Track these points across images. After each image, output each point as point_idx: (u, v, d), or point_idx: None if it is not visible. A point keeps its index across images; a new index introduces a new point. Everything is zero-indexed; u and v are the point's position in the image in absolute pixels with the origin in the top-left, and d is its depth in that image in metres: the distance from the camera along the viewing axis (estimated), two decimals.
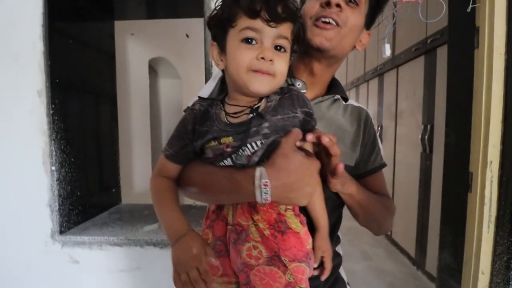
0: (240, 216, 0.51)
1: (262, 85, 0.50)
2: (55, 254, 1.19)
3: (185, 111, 0.59)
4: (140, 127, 2.13)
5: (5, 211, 1.18)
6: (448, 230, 1.50)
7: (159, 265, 1.15)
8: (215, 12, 0.52)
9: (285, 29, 0.50)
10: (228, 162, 0.51)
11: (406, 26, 2.40)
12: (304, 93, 0.57)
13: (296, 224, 0.51)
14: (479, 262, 1.20)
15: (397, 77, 2.63)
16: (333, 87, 0.70)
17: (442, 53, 1.98)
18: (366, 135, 0.69)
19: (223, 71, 0.56)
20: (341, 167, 0.51)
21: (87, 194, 1.35)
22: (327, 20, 0.60)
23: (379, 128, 3.02)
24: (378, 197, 0.66)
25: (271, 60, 0.49)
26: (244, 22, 0.48)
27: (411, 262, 2.36)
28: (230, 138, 0.50)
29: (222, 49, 0.52)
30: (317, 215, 0.56)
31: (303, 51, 0.62)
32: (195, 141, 0.53)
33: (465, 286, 1.28)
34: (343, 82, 4.79)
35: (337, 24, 0.60)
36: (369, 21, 0.67)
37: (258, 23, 0.48)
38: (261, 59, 0.48)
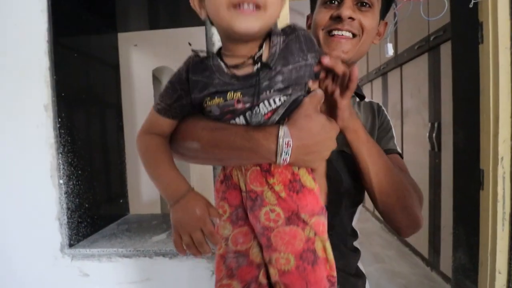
0: (253, 182, 0.48)
1: (249, 22, 0.41)
2: (65, 267, 1.19)
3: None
4: None
5: (15, 225, 1.19)
6: (461, 230, 1.47)
7: (169, 275, 1.14)
8: None
9: None
10: (240, 120, 0.46)
11: (408, 24, 2.39)
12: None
13: (310, 181, 0.49)
14: (495, 261, 1.17)
15: (401, 76, 2.61)
16: None
17: (445, 50, 1.96)
18: (379, 121, 0.68)
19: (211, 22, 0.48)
20: (356, 71, 0.47)
21: (95, 206, 1.35)
22: (341, 33, 0.58)
23: None
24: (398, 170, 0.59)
25: None
26: None
27: (424, 263, 2.30)
28: (239, 93, 0.45)
29: None
30: None
31: None
32: (192, 92, 0.48)
33: (482, 286, 1.24)
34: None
35: (353, 35, 0.59)
36: (384, 12, 0.65)
37: None
38: None
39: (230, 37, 0.45)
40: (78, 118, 1.27)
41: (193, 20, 1.40)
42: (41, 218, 1.19)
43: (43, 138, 1.16)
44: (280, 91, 0.45)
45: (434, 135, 2.05)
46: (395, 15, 1.37)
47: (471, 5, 1.12)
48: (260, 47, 0.46)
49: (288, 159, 0.44)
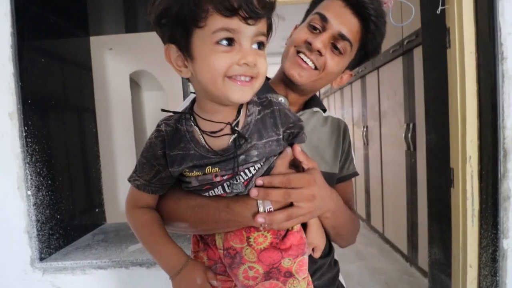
0: (232, 239, 0.50)
1: (244, 93, 0.43)
2: (36, 282, 1.14)
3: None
4: (124, 142, 2.08)
5: None
6: (435, 226, 1.52)
7: (146, 285, 1.11)
8: (164, 4, 0.41)
9: (263, 24, 0.43)
10: (219, 190, 0.48)
11: None
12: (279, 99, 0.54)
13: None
14: (466, 255, 1.21)
15: (378, 78, 2.69)
16: (311, 101, 0.73)
17: (418, 54, 2.03)
18: (344, 143, 0.71)
19: (188, 79, 0.48)
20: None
21: (68, 217, 1.30)
22: (305, 59, 0.62)
23: (365, 129, 3.06)
24: (350, 214, 0.67)
25: (254, 64, 0.42)
26: (216, 21, 0.40)
27: (404, 259, 2.38)
28: (217, 169, 0.46)
29: (187, 53, 0.43)
30: None
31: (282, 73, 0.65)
32: (170, 167, 0.48)
33: (455, 280, 1.29)
34: (327, 86, 4.86)
35: (315, 67, 0.62)
36: (354, 65, 0.69)
37: (235, 23, 0.40)
38: (243, 65, 0.41)
39: (216, 101, 0.46)
40: (47, 125, 1.21)
41: None
42: (9, 231, 1.13)
43: (9, 147, 1.10)
44: (255, 162, 0.47)
45: (409, 135, 2.13)
46: None
47: (438, 11, 1.17)
48: (238, 112, 0.48)
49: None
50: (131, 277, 1.12)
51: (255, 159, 0.47)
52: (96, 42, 1.63)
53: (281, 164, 0.49)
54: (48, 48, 1.24)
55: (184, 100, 1.09)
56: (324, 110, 0.73)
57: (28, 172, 1.11)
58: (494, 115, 1.10)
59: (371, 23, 0.61)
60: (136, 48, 2.10)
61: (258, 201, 0.47)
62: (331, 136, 0.70)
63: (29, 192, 1.11)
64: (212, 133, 0.47)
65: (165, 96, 3.01)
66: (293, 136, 0.51)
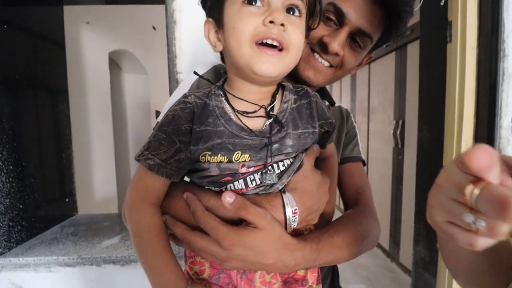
0: None
1: (271, 65, 0.38)
2: None
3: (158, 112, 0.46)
4: (100, 127, 1.92)
5: None
6: (422, 224, 1.52)
7: (121, 285, 1.01)
8: None
9: None
10: (239, 185, 0.42)
11: None
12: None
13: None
14: None
15: (369, 74, 2.66)
16: (320, 93, 0.66)
17: (412, 50, 2.00)
18: (346, 127, 0.67)
19: (222, 58, 0.45)
20: None
21: (33, 207, 1.16)
22: (320, 59, 0.55)
23: None
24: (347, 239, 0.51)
25: (282, 25, 0.37)
26: None
27: (385, 255, 2.41)
28: (247, 156, 0.40)
29: (219, 25, 0.40)
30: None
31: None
32: (193, 144, 0.41)
33: (440, 279, 1.29)
34: None
35: (331, 66, 0.56)
36: (375, 48, 0.61)
37: None
38: (269, 23, 0.36)
39: (245, 77, 0.41)
40: (8, 104, 1.06)
41: None
42: None
43: None
44: (287, 154, 0.43)
45: (398, 132, 2.12)
46: None
47: (442, 3, 1.12)
48: (273, 97, 0.44)
49: (296, 224, 0.43)
50: (103, 276, 1.01)
51: (289, 150, 0.42)
52: (70, 14, 1.45)
53: (307, 161, 0.45)
54: (12, 14, 1.07)
55: (169, 83, 0.97)
56: (333, 104, 0.67)
57: None
58: (492, 114, 1.08)
59: (395, 14, 0.53)
60: (117, 23, 1.92)
61: (284, 199, 0.42)
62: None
63: None
64: (245, 113, 0.42)
65: (148, 80, 2.84)
66: (328, 135, 0.48)
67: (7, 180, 1.04)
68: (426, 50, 1.49)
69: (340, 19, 0.52)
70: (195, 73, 0.47)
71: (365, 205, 0.59)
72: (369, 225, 0.54)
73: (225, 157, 0.40)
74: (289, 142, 0.42)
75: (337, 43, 0.52)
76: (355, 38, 0.54)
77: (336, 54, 0.54)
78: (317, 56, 0.55)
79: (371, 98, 2.65)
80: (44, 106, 1.26)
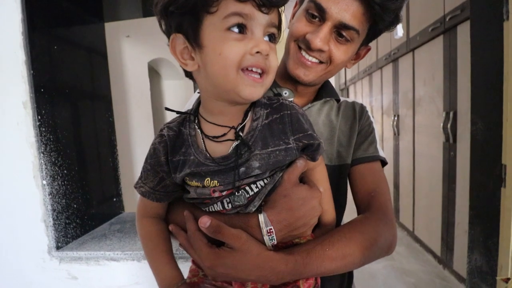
0: None
1: (256, 89, 0.40)
2: (53, 270, 1.15)
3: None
4: (142, 131, 2.07)
5: (1, 227, 1.15)
6: (478, 230, 1.34)
7: None
8: None
9: (275, 15, 0.41)
10: (218, 206, 0.45)
11: (421, 4, 2.19)
12: (291, 101, 0.48)
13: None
14: None
15: (413, 62, 2.43)
16: (324, 90, 0.64)
17: (463, 31, 1.78)
18: (359, 125, 0.63)
19: (190, 76, 0.45)
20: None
21: (85, 206, 1.30)
22: (307, 57, 0.54)
23: (396, 118, 2.82)
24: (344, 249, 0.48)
25: (267, 55, 0.40)
26: (229, 6, 0.37)
27: (436, 261, 2.19)
28: (216, 182, 0.43)
29: (195, 43, 0.40)
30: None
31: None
32: (173, 173, 0.46)
33: None
34: (354, 71, 4.57)
35: (320, 62, 0.55)
36: (370, 40, 0.59)
37: (248, 8, 0.37)
38: (256, 53, 0.38)
39: (225, 99, 0.42)
40: (62, 114, 1.20)
41: None
42: (27, 219, 1.14)
43: (24, 136, 1.09)
44: (257, 176, 0.43)
45: (449, 125, 1.90)
46: None
47: None
48: (245, 114, 0.45)
49: (275, 241, 0.44)
50: (143, 271, 1.09)
51: (257, 171, 0.42)
52: (111, 29, 1.59)
53: (288, 180, 0.44)
54: (60, 34, 1.21)
55: (194, 92, 1.00)
56: (338, 100, 0.65)
57: (43, 161, 1.10)
58: None
59: (375, 5, 0.49)
60: (155, 34, 2.05)
61: (260, 218, 0.43)
62: (345, 124, 0.63)
63: (44, 182, 1.11)
64: (214, 138, 0.44)
65: (185, 86, 2.98)
66: (313, 149, 0.45)
67: (63, 183, 1.18)
68: (479, 31, 1.30)
69: (322, 14, 0.51)
70: (167, 108, 0.50)
71: (376, 210, 0.54)
72: (375, 232, 0.50)
73: (199, 182, 0.44)
74: (255, 164, 0.42)
75: (318, 39, 0.51)
76: (340, 32, 0.52)
77: (320, 50, 0.52)
78: (304, 53, 0.54)
79: (417, 89, 2.42)
80: (91, 115, 1.40)
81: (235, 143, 0.43)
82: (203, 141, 0.44)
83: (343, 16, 0.50)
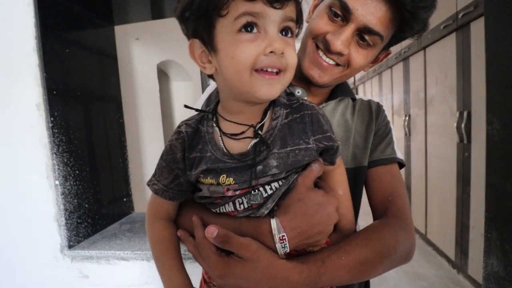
0: None
1: (273, 89, 0.39)
2: (65, 269, 1.17)
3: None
4: (152, 132, 2.10)
5: (14, 226, 1.18)
6: (494, 234, 1.29)
7: None
8: None
9: (291, 9, 0.38)
10: (229, 207, 0.43)
11: None
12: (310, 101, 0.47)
13: None
14: None
15: (425, 60, 2.38)
16: (339, 88, 0.62)
17: (477, 29, 1.73)
18: (377, 124, 0.60)
19: (211, 77, 0.45)
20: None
21: (96, 206, 1.32)
22: (324, 58, 0.52)
23: (407, 118, 2.76)
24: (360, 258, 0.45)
25: (282, 53, 0.38)
26: (238, 6, 0.36)
27: (450, 265, 2.12)
28: (231, 180, 0.41)
29: (210, 47, 0.40)
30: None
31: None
32: (189, 170, 0.45)
33: None
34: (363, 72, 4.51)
35: (337, 64, 0.53)
36: (392, 45, 0.57)
37: (258, 6, 0.36)
38: (270, 53, 0.37)
39: (243, 100, 0.41)
40: (73, 116, 1.22)
41: None
42: (40, 218, 1.17)
43: (37, 138, 1.12)
44: (274, 176, 0.41)
45: (463, 125, 1.84)
46: None
47: None
48: (264, 113, 0.44)
49: (288, 249, 0.41)
50: (152, 271, 1.10)
51: (274, 170, 0.40)
52: (121, 32, 1.61)
53: (302, 184, 0.42)
54: (72, 38, 1.23)
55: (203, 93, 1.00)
56: (353, 99, 0.62)
57: (55, 162, 1.13)
58: None
59: (406, 12, 0.47)
60: (163, 36, 2.07)
61: (272, 224, 0.41)
62: (361, 124, 0.60)
63: (56, 182, 1.14)
64: (232, 135, 0.43)
65: (194, 87, 2.99)
66: (332, 152, 0.44)
67: (75, 183, 1.21)
68: (493, 27, 1.26)
69: (346, 15, 0.48)
70: (186, 106, 0.49)
71: (394, 215, 0.52)
72: (393, 240, 0.48)
73: (214, 179, 0.42)
74: (273, 162, 0.40)
75: (340, 42, 0.48)
76: (363, 36, 0.49)
77: (339, 53, 0.50)
78: (321, 53, 0.52)
79: (428, 88, 2.36)
80: (102, 116, 1.42)
81: (254, 141, 0.42)
82: (221, 138, 0.43)
83: (369, 20, 0.47)
